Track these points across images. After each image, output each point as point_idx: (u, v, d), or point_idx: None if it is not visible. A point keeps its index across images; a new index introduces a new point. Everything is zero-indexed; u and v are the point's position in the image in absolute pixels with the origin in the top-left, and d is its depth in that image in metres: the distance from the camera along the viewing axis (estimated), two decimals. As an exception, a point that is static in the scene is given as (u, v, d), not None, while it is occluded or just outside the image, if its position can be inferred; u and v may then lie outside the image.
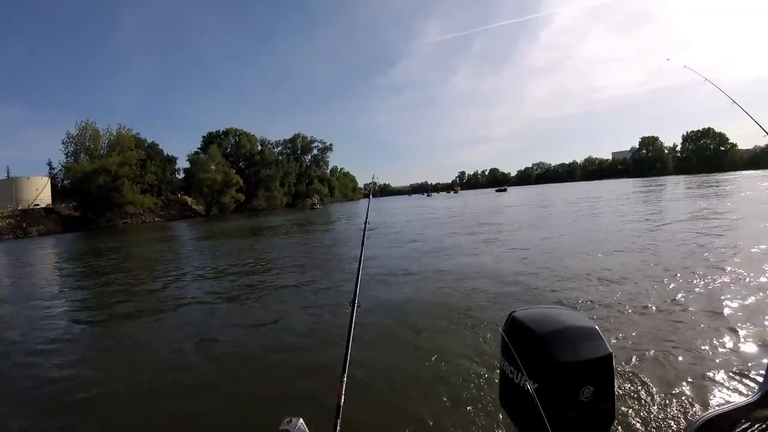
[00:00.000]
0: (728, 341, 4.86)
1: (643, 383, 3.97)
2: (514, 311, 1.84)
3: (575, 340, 1.60)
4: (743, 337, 4.96)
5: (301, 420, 1.47)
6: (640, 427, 3.07)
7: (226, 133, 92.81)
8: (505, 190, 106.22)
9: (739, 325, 5.28)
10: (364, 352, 5.08)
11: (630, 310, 6.03)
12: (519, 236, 15.60)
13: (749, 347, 4.63)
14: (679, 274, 7.75)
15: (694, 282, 7.24)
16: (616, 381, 1.64)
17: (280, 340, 6.23)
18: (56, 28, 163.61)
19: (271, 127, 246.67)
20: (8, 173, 61.83)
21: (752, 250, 9.33)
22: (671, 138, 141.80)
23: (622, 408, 3.34)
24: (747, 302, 6.06)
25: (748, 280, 7.14)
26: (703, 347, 4.77)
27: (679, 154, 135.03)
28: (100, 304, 10.04)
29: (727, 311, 5.82)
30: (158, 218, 65.74)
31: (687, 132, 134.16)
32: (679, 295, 6.54)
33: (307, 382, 4.51)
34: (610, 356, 1.59)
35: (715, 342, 4.88)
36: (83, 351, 6.61)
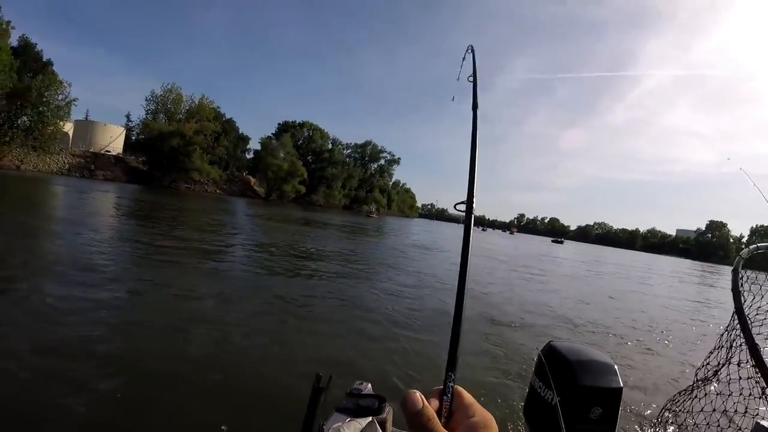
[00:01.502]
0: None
1: (640, 421, 5.00)
2: (552, 341, 2.15)
3: (596, 371, 1.92)
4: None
5: (369, 385, 1.84)
6: None
7: (302, 125, 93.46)
8: (561, 242, 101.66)
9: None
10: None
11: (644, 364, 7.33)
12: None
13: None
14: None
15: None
16: (621, 411, 1.92)
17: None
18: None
19: (338, 128, 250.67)
20: (87, 116, 64.06)
21: None
22: (739, 227, 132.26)
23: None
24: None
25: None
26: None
27: (744, 246, 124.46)
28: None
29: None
30: (220, 191, 66.25)
31: (756, 225, 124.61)
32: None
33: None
34: (620, 389, 1.91)
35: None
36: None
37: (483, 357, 6.55)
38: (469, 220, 0.57)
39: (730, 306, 2.37)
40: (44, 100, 44.33)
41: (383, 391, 1.76)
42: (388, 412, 1.71)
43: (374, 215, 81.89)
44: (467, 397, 0.49)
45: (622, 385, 1.94)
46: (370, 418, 1.58)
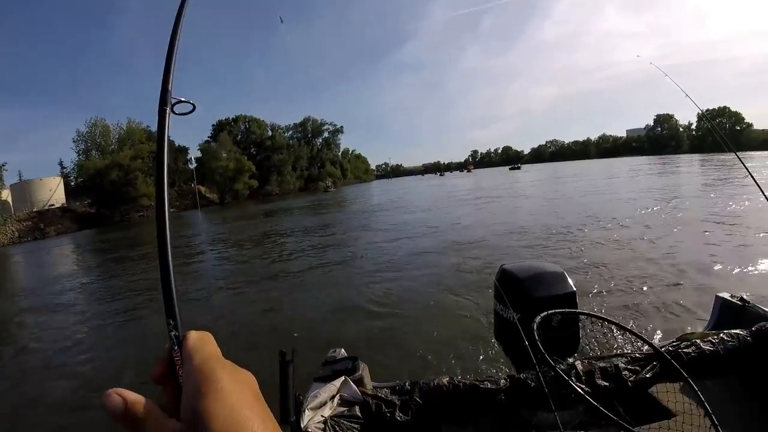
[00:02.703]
0: (680, 283, 6.53)
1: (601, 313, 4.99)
2: (503, 264, 2.36)
3: (546, 282, 2.10)
4: (694, 280, 6.66)
5: (342, 349, 1.94)
6: (600, 349, 3.45)
7: (236, 120, 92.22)
8: (518, 168, 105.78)
9: (688, 273, 7.04)
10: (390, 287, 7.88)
11: (598, 262, 8.13)
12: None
13: (699, 288, 6.17)
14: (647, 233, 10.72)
15: (651, 241, 9.75)
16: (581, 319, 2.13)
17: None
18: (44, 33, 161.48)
19: (279, 116, 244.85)
20: (20, 177, 62.07)
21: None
22: (687, 116, 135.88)
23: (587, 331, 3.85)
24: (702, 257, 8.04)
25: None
26: (657, 288, 6.42)
27: (694, 133, 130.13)
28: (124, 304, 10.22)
29: (677, 262, 7.76)
30: (173, 209, 64.66)
31: (703, 110, 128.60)
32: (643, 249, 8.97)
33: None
34: (573, 293, 2.09)
35: (666, 281, 6.67)
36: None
37: (456, 287, 7.36)
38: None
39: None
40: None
41: (356, 351, 1.88)
42: (363, 369, 1.77)
43: (332, 189, 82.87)
44: (192, 340, 0.43)
45: (574, 288, 2.10)
46: (342, 378, 1.64)
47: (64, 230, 50.48)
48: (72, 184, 64.67)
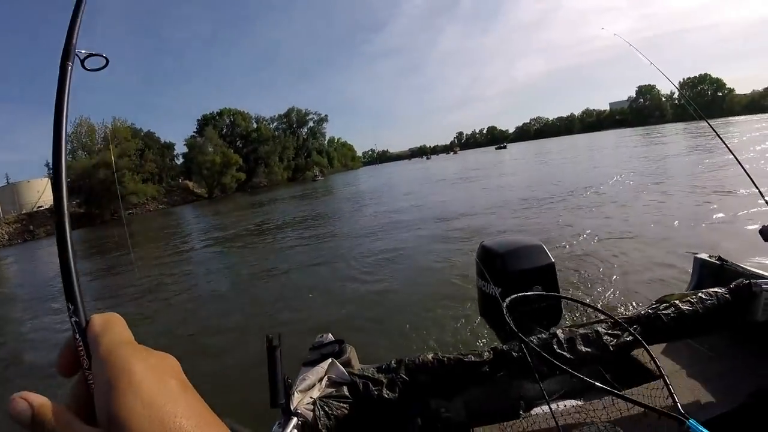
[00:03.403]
0: (660, 248, 6.66)
1: (584, 283, 5.60)
2: (483, 241, 2.44)
3: (524, 255, 2.17)
4: (673, 244, 6.76)
5: (330, 334, 1.94)
6: (582, 317, 3.59)
7: (221, 113, 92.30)
8: (504, 147, 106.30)
9: (666, 239, 7.21)
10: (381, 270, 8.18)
11: (576, 233, 8.33)
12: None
13: (679, 252, 6.15)
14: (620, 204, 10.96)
15: (624, 212, 9.99)
16: (560, 284, 2.23)
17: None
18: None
19: (263, 107, 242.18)
20: (7, 179, 62.74)
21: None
22: (668, 86, 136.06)
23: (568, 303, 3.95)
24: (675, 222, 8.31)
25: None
26: (635, 254, 6.62)
27: (676, 101, 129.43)
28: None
29: (655, 229, 7.95)
30: (162, 205, 66.65)
31: (683, 78, 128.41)
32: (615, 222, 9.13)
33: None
34: (552, 264, 2.18)
35: (646, 248, 6.84)
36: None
37: (443, 268, 7.50)
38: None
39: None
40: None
41: (343, 334, 1.93)
42: (350, 351, 1.81)
43: (320, 178, 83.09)
44: (97, 325, 0.37)
45: (552, 260, 2.18)
46: (330, 360, 1.68)
47: (53, 231, 50.00)
48: (60, 185, 64.43)
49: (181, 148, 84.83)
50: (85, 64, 0.44)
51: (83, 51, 0.44)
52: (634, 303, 4.71)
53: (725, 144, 2.35)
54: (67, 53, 0.49)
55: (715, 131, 2.48)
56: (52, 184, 0.46)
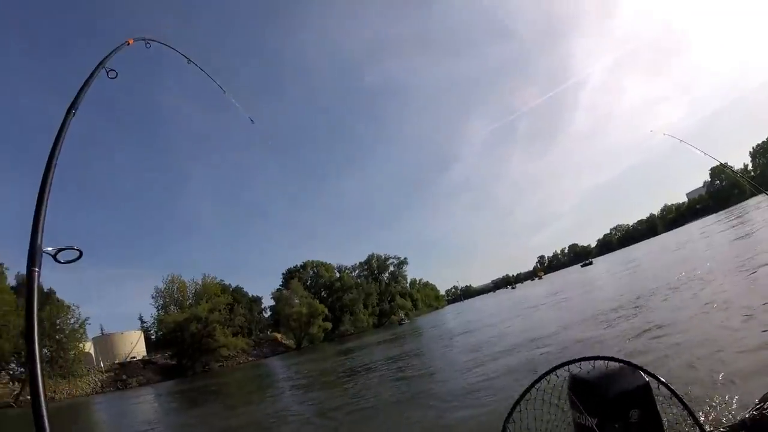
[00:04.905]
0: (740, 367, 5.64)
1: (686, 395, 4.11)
2: (574, 373, 2.33)
3: (614, 379, 2.08)
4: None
5: None
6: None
7: (304, 266, 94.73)
8: (590, 263, 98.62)
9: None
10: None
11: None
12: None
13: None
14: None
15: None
16: (660, 405, 2.11)
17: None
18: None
19: (343, 254, 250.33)
20: (102, 330, 64.10)
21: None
22: (740, 159, 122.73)
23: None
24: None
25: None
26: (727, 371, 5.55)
27: (752, 173, 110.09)
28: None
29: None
30: (252, 357, 64.69)
31: (754, 147, 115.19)
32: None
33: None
34: (646, 384, 2.07)
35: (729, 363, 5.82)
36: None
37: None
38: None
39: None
40: (57, 327, 44.63)
41: None
42: None
43: (405, 321, 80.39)
44: None
45: (647, 379, 2.08)
46: None
47: (145, 381, 50.03)
48: (152, 337, 65.99)
49: (268, 302, 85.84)
50: (59, 257, 0.47)
51: (51, 248, 0.46)
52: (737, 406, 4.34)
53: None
54: (32, 259, 0.42)
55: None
56: (28, 359, 0.37)
